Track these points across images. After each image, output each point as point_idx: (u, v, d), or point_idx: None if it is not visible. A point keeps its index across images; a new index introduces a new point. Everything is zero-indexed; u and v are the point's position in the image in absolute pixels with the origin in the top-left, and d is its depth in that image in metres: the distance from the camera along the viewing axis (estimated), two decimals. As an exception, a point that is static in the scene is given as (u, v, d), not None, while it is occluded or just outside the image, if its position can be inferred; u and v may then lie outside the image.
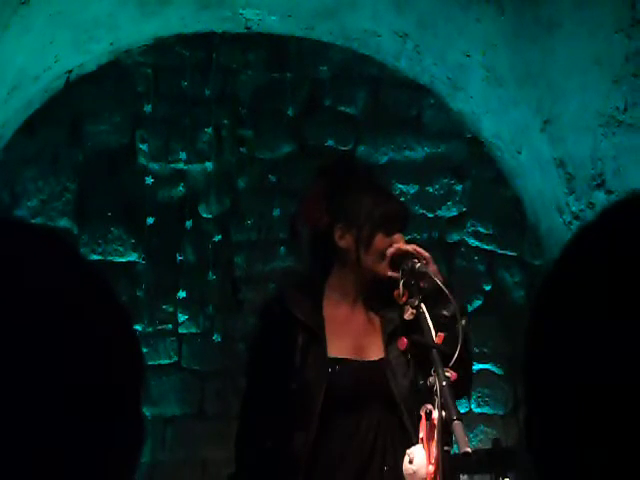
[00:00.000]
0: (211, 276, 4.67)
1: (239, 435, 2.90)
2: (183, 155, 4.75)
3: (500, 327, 4.75)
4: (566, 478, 0.75)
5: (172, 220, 4.69)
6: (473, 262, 4.83)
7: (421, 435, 2.46)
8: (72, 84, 4.63)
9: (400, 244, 2.77)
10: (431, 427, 2.42)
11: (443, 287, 2.59)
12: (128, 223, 4.67)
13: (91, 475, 0.74)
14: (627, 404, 0.71)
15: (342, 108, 4.88)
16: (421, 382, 2.56)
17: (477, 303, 4.77)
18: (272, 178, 4.77)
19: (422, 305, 2.61)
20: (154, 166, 4.72)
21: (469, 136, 4.86)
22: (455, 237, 4.84)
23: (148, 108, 4.74)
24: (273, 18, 4.63)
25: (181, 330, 4.64)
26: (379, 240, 2.79)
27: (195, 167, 4.75)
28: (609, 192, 3.79)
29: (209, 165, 4.76)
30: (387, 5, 4.32)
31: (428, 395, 2.44)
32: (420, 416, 2.46)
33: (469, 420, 4.47)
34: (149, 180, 4.70)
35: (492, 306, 4.78)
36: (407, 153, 4.87)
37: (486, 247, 4.84)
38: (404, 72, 4.81)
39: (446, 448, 2.41)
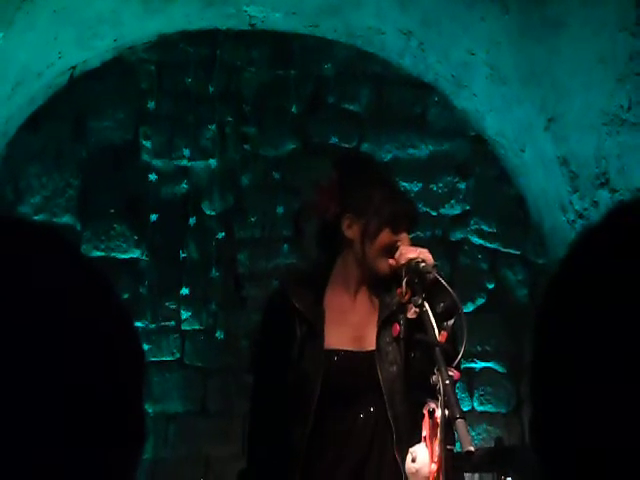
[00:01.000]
0: (214, 273, 4.67)
1: (250, 431, 2.91)
2: (187, 152, 4.74)
3: (503, 325, 4.74)
4: (571, 477, 0.75)
5: (175, 217, 4.69)
6: (476, 260, 4.82)
7: (424, 433, 2.46)
8: (76, 80, 4.64)
9: (407, 254, 2.74)
10: (434, 425, 2.42)
11: (449, 288, 2.59)
12: (131, 220, 4.67)
13: (93, 472, 0.74)
14: (635, 402, 0.71)
15: (346, 106, 4.87)
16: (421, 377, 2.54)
17: (480, 301, 4.77)
18: (276, 175, 4.77)
19: (425, 303, 2.61)
20: (157, 163, 4.72)
21: (473, 134, 4.85)
22: (458, 235, 4.84)
23: (152, 105, 4.74)
24: (277, 15, 4.63)
25: (184, 327, 4.64)
26: (385, 235, 2.80)
27: (199, 164, 4.75)
28: (613, 191, 3.79)
29: (213, 162, 4.76)
30: (391, 2, 4.32)
31: (429, 392, 2.44)
32: (423, 414, 2.46)
33: (471, 418, 4.47)
34: (152, 177, 4.70)
35: (495, 304, 4.77)
36: (411, 151, 4.87)
37: (489, 245, 4.84)
38: (408, 70, 4.80)
39: (449, 447, 2.41)
